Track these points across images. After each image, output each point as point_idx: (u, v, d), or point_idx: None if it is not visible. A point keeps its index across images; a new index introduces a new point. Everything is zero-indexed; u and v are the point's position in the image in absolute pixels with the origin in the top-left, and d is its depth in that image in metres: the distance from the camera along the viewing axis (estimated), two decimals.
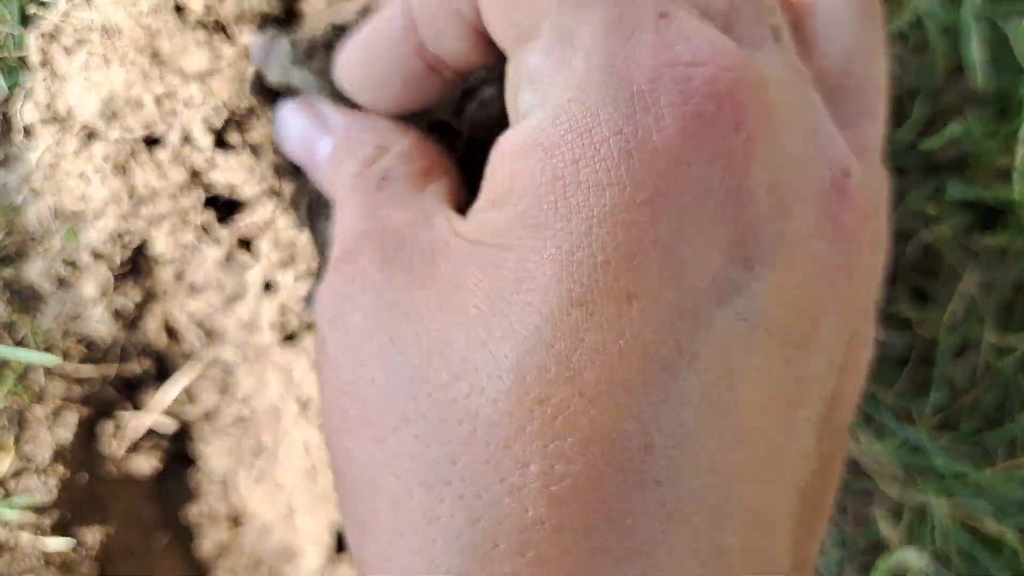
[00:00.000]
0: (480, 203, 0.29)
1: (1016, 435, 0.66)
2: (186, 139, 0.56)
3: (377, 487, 0.26)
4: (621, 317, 0.24)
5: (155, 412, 0.73)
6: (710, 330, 0.26)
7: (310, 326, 0.67)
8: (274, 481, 0.77)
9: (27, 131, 0.60)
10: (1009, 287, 0.65)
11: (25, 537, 0.68)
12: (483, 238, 0.27)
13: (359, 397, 0.27)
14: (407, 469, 0.25)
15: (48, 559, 0.69)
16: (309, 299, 0.62)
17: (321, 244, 0.59)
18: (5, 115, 0.66)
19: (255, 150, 0.57)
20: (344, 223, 0.34)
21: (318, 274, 0.62)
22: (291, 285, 0.62)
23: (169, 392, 0.73)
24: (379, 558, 0.27)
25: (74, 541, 0.69)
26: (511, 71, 0.29)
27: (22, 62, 0.68)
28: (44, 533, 0.69)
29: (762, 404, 0.26)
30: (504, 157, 0.27)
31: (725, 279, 0.26)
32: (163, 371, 0.75)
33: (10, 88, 0.68)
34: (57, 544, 0.68)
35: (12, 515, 0.68)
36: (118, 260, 0.63)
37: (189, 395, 0.75)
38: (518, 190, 0.26)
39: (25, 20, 0.70)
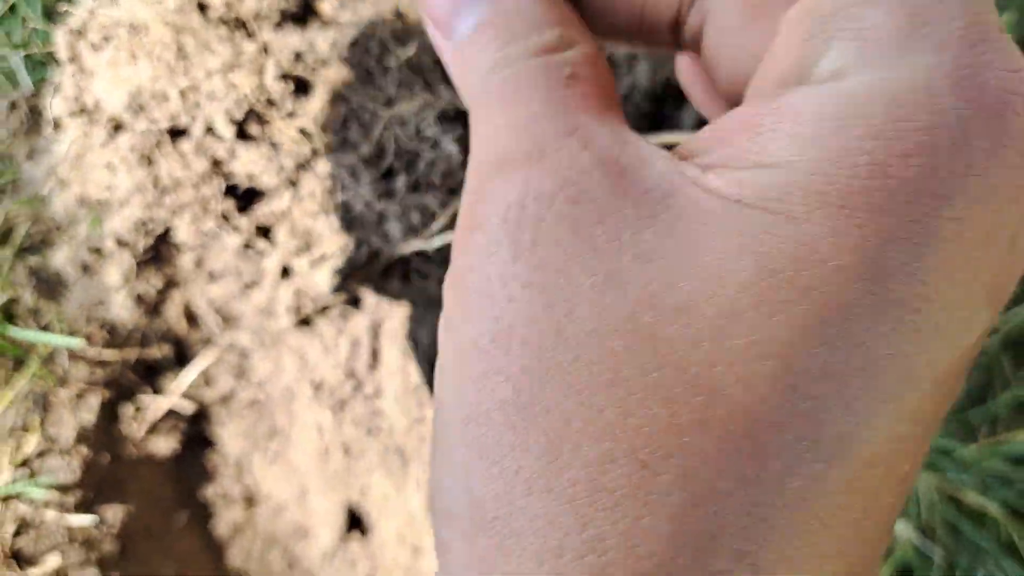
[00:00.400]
0: (731, 157, 0.24)
1: (998, 413, 0.69)
2: (209, 130, 0.59)
3: (557, 451, 0.21)
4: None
5: (174, 395, 0.76)
6: None
7: (324, 310, 0.70)
8: (288, 462, 0.80)
9: (56, 124, 0.63)
10: None
11: (50, 515, 0.71)
12: (744, 198, 0.23)
13: (548, 339, 0.22)
14: (612, 430, 0.21)
15: (72, 536, 0.72)
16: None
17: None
18: (33, 109, 0.69)
19: (273, 144, 0.60)
20: (516, 115, 0.25)
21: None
22: (307, 271, 0.65)
23: (187, 376, 0.76)
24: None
25: (97, 518, 0.72)
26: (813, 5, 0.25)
27: (50, 57, 0.71)
28: (68, 511, 0.72)
29: None
30: (797, 116, 0.23)
31: None
32: (181, 356, 0.78)
33: (35, 83, 0.71)
34: (81, 521, 0.71)
35: (38, 494, 0.70)
36: (141, 247, 0.66)
37: (206, 379, 0.78)
38: (818, 158, 0.22)
39: (51, 16, 0.73)
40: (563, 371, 0.21)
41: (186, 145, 0.60)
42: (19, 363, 0.72)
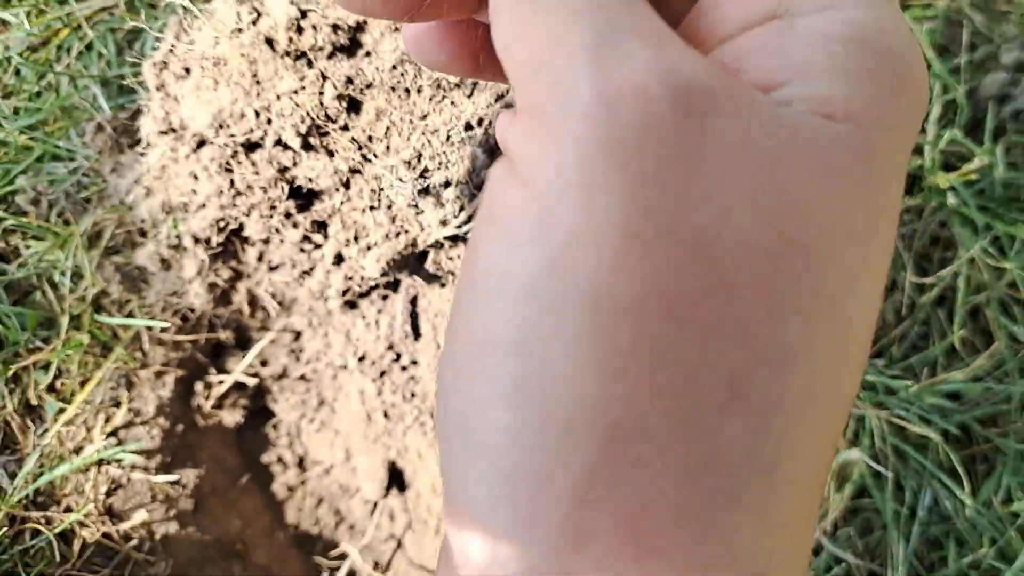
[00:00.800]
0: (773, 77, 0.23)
1: (936, 357, 0.82)
2: (278, 143, 0.72)
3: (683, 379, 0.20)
4: None
5: (237, 373, 0.88)
6: None
7: (367, 292, 0.83)
8: (334, 429, 0.92)
9: (146, 142, 0.75)
10: (926, 238, 0.82)
11: (136, 476, 0.83)
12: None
13: (712, 247, 0.20)
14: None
15: (154, 495, 0.84)
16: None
17: None
18: (115, 130, 0.82)
19: (329, 151, 0.72)
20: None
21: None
22: (355, 259, 0.78)
23: (249, 356, 0.88)
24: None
25: (177, 477, 0.84)
26: None
27: (123, 85, 0.84)
28: (151, 473, 0.84)
29: None
30: (828, 39, 0.23)
31: None
32: (242, 338, 0.90)
33: (112, 108, 0.83)
34: (163, 481, 0.83)
35: (126, 458, 0.83)
36: (215, 243, 0.78)
37: (264, 358, 0.90)
38: (853, 72, 0.23)
39: (120, 51, 0.86)
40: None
41: (258, 155, 0.72)
42: (106, 348, 0.84)
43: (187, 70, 0.74)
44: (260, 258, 0.82)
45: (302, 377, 0.91)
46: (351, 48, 0.72)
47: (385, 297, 0.84)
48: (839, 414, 0.23)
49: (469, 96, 0.73)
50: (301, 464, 0.94)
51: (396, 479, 0.93)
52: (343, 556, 0.91)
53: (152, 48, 0.86)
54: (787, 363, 0.20)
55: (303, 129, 0.70)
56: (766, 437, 0.20)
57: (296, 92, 0.70)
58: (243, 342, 0.90)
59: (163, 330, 0.85)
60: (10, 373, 0.81)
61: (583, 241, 0.19)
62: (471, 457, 0.22)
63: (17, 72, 0.88)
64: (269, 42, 0.70)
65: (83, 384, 0.83)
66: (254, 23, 0.70)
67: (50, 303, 0.83)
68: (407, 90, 0.71)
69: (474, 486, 0.21)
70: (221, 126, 0.71)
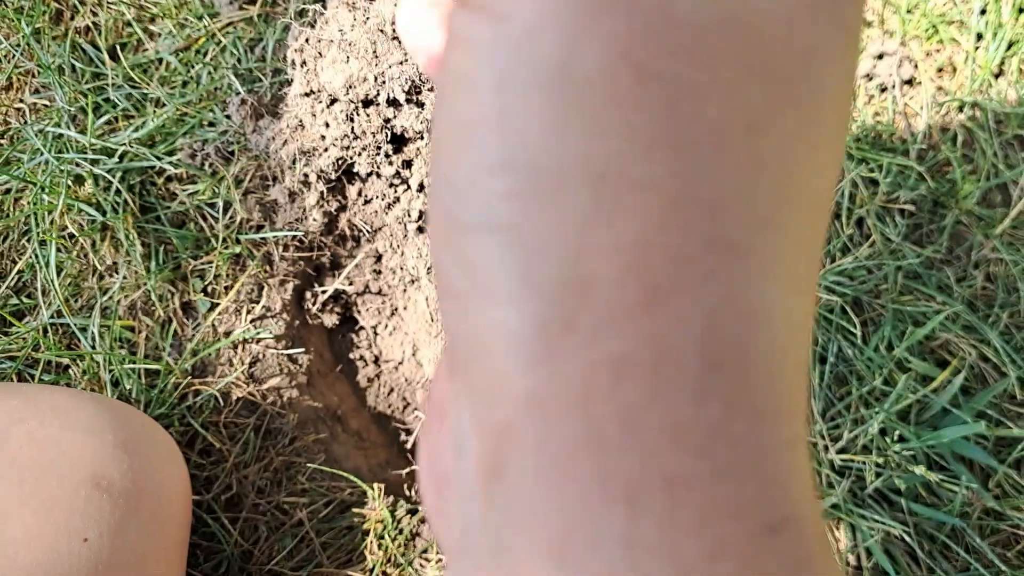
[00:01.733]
0: None
1: (834, 252, 1.18)
2: (388, 100, 1.05)
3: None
4: None
5: (333, 288, 1.19)
6: None
7: None
8: (403, 331, 1.23)
9: (289, 104, 1.08)
10: None
11: (269, 352, 1.13)
12: None
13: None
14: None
15: (281, 368, 1.14)
16: None
17: None
18: (254, 104, 1.14)
19: (420, 103, 1.06)
20: None
21: None
22: None
23: (342, 276, 1.19)
24: None
25: (302, 350, 1.14)
26: None
27: (251, 74, 1.17)
28: (281, 350, 1.14)
29: None
30: None
31: None
32: (336, 258, 1.21)
33: (247, 92, 1.16)
34: (288, 355, 1.13)
35: (263, 338, 1.12)
36: (333, 177, 1.10)
37: (351, 278, 1.21)
38: None
39: (253, 49, 1.18)
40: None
41: (372, 109, 1.05)
42: (242, 263, 1.15)
43: (320, 53, 1.07)
44: (359, 193, 1.14)
45: (379, 291, 1.23)
46: None
47: None
48: (823, 187, 0.23)
49: None
50: (377, 360, 1.25)
51: None
52: (417, 420, 1.21)
53: (273, 50, 1.19)
54: (757, 127, 0.20)
55: (406, 88, 1.04)
56: (756, 188, 0.20)
57: (402, 63, 1.03)
58: (337, 262, 1.21)
59: (286, 248, 1.15)
60: (174, 279, 1.11)
61: (549, 23, 0.20)
62: (468, 233, 0.22)
63: (168, 66, 1.20)
64: (381, 31, 1.04)
65: (227, 289, 1.13)
66: (365, 21, 1.04)
67: (201, 229, 1.14)
68: None
69: (477, 257, 0.22)
70: (350, 87, 1.04)
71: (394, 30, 1.04)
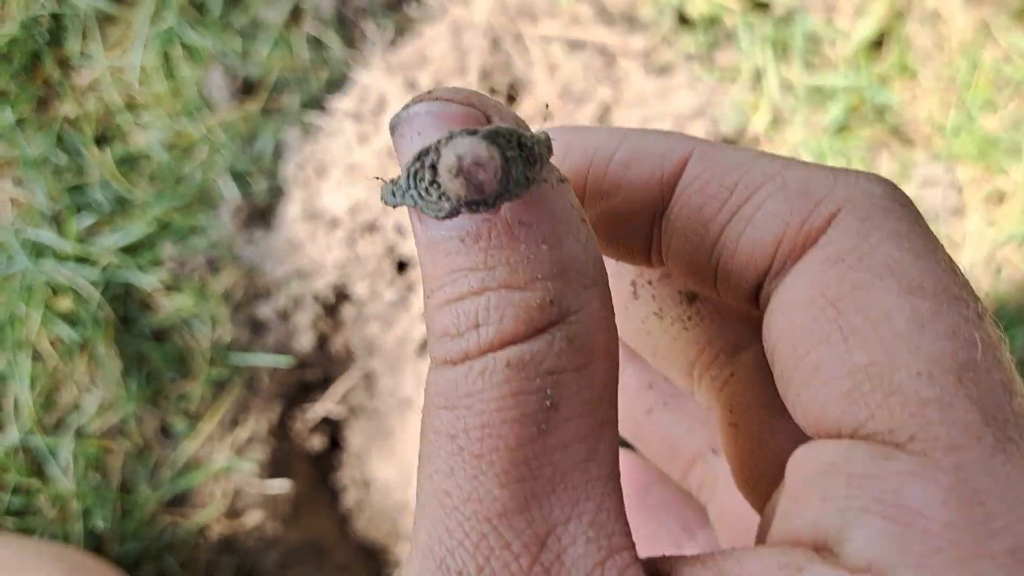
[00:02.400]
0: None
1: None
2: (394, 228, 0.97)
3: None
4: None
5: (326, 408, 1.11)
6: None
7: None
8: (396, 455, 1.16)
9: (286, 222, 1.00)
10: None
11: (252, 483, 1.05)
12: None
13: None
14: None
15: (264, 500, 1.06)
16: None
17: None
18: (249, 212, 1.06)
19: None
20: None
21: None
22: None
23: (335, 394, 1.11)
24: None
25: (286, 481, 1.06)
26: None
27: (246, 177, 1.09)
28: (263, 478, 1.06)
29: None
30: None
31: None
32: (327, 376, 1.13)
33: (241, 196, 1.08)
34: (275, 485, 1.05)
35: (247, 468, 1.05)
36: (329, 301, 1.02)
37: (342, 394, 1.13)
38: None
39: (248, 143, 1.11)
40: None
41: (377, 236, 0.97)
42: (226, 384, 1.07)
43: (322, 171, 0.99)
44: (357, 313, 1.06)
45: (372, 411, 1.15)
46: None
47: None
48: None
49: None
50: (367, 484, 1.17)
51: None
52: (399, 561, 1.13)
53: (269, 151, 1.11)
54: None
55: None
56: None
57: None
58: (328, 379, 1.13)
59: (275, 368, 1.07)
60: (154, 399, 1.03)
61: None
62: None
63: (157, 163, 1.12)
64: (389, 152, 0.96)
65: (209, 411, 1.05)
66: (371, 139, 0.96)
67: (184, 343, 1.06)
68: None
69: None
70: (354, 213, 0.96)
71: None
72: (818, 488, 0.23)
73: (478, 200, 0.23)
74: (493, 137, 0.23)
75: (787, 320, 0.26)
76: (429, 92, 0.25)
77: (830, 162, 1.13)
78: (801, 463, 0.25)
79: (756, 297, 0.28)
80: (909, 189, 1.15)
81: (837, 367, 0.24)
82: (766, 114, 1.15)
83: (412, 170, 0.24)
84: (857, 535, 0.21)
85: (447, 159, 0.23)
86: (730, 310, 0.33)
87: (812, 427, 0.25)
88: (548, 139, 0.25)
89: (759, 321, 0.28)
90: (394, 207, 0.25)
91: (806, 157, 1.14)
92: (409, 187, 0.24)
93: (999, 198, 1.17)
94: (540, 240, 0.24)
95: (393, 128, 0.25)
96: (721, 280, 0.29)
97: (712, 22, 1.16)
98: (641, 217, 0.30)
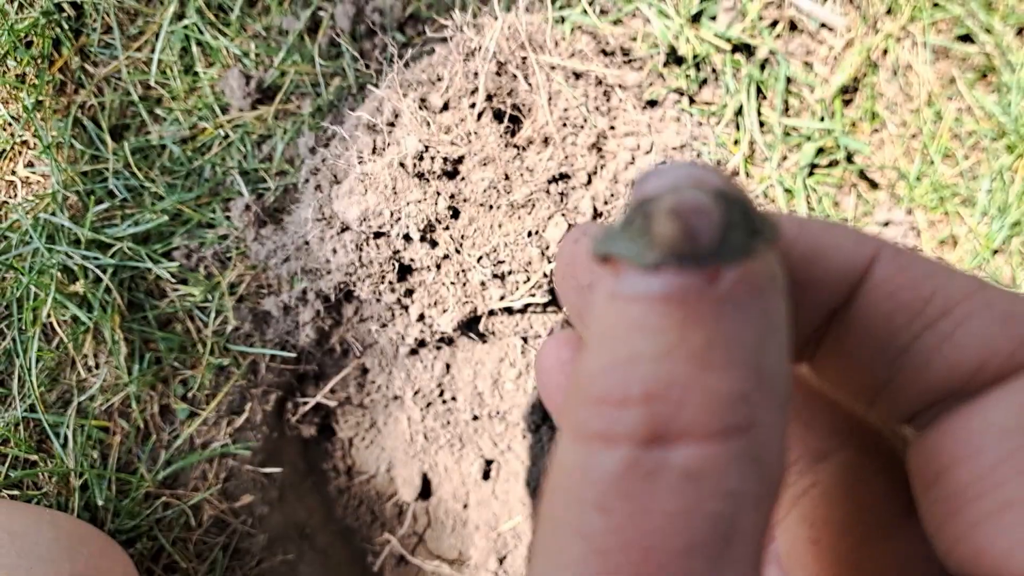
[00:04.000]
0: None
1: None
2: (400, 235, 1.03)
3: None
4: None
5: (318, 399, 1.17)
6: None
7: (423, 344, 1.13)
8: (379, 448, 1.21)
9: (300, 223, 1.05)
10: None
11: (244, 468, 1.10)
12: None
13: None
14: None
15: (255, 484, 1.11)
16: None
17: None
18: (260, 210, 1.11)
19: (433, 242, 1.04)
20: None
21: None
22: (433, 317, 1.09)
23: (327, 387, 1.17)
24: None
25: (278, 469, 1.11)
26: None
27: (259, 176, 1.14)
28: (256, 465, 1.11)
29: None
30: None
31: None
32: (321, 369, 1.19)
33: (250, 194, 1.13)
34: (267, 470, 1.11)
35: (241, 454, 1.10)
36: (332, 299, 1.08)
37: (334, 388, 1.19)
38: None
39: (259, 145, 1.15)
40: None
41: (383, 241, 1.03)
42: (226, 372, 1.12)
43: (336, 178, 1.04)
44: (355, 312, 1.12)
45: (361, 404, 1.20)
46: (454, 173, 1.04)
47: (439, 347, 1.16)
48: None
49: (530, 213, 1.06)
50: (349, 472, 1.23)
51: (424, 487, 1.23)
52: (384, 543, 1.19)
53: (280, 153, 1.16)
54: None
55: (421, 226, 1.02)
56: None
57: (420, 201, 1.01)
58: (323, 372, 1.19)
59: (273, 359, 1.13)
60: (155, 382, 1.08)
61: None
62: None
63: (171, 155, 1.16)
64: (402, 165, 1.02)
65: (209, 397, 1.10)
66: (385, 149, 1.02)
67: (188, 331, 1.11)
68: (491, 206, 1.04)
69: None
70: (364, 219, 1.02)
71: (415, 165, 1.02)
72: None
73: (688, 254, 0.20)
74: (721, 195, 0.21)
75: (972, 446, 0.24)
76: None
77: (801, 200, 1.22)
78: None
79: (914, 414, 0.27)
80: (871, 229, 1.24)
81: None
82: (745, 150, 1.23)
83: (627, 215, 0.22)
84: None
85: (666, 201, 0.21)
86: (816, 412, 0.31)
87: (973, 565, 0.23)
88: (777, 223, 0.22)
89: (849, 429, 0.27)
90: (602, 259, 0.22)
91: (780, 193, 1.22)
92: (620, 234, 0.22)
93: (953, 242, 1.26)
94: (748, 326, 0.21)
95: (635, 182, 0.23)
96: (891, 391, 0.27)
97: (700, 61, 1.24)
98: (815, 312, 0.27)
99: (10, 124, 1.14)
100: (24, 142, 1.15)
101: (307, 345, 1.13)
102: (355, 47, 1.18)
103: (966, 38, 1.29)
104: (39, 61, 1.15)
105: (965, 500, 0.24)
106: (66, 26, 1.17)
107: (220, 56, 1.18)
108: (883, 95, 1.30)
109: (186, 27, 1.17)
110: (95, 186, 1.12)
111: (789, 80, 1.26)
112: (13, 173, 1.14)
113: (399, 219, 1.02)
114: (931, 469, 0.25)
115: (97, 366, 1.08)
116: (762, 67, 1.26)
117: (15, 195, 1.13)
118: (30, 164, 1.14)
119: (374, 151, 1.03)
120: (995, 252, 1.26)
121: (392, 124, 1.05)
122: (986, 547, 0.23)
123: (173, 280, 1.11)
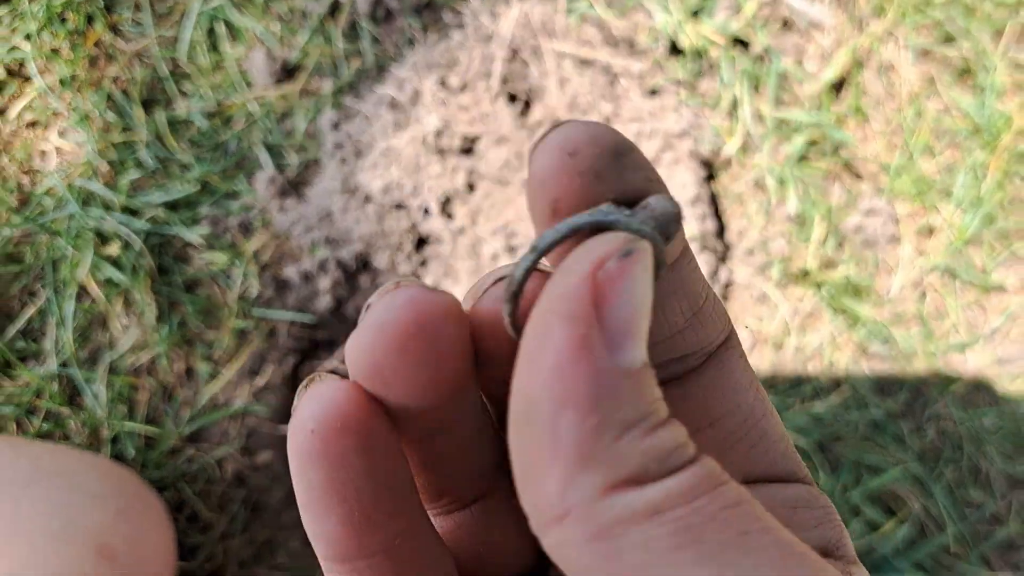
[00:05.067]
0: None
1: (807, 393, 1.27)
2: (419, 208, 1.09)
3: None
4: None
5: (332, 362, 1.23)
6: None
7: None
8: None
9: (322, 195, 1.12)
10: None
11: (265, 426, 1.17)
12: None
13: None
14: None
15: (275, 442, 1.17)
16: None
17: None
18: (283, 182, 1.18)
19: (449, 215, 1.11)
20: None
21: None
22: (447, 288, 1.16)
23: (341, 353, 1.23)
24: None
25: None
26: None
27: (279, 149, 1.20)
28: (275, 422, 1.17)
29: None
30: None
31: None
32: (335, 336, 1.25)
33: (278, 165, 1.19)
34: (286, 428, 1.17)
35: (261, 411, 1.16)
36: (352, 268, 1.15)
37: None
38: None
39: (278, 123, 1.22)
40: None
41: (403, 213, 1.10)
42: (248, 335, 1.18)
43: (360, 151, 1.11)
44: (371, 281, 1.18)
45: None
46: (471, 151, 1.11)
47: None
48: None
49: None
50: None
51: None
52: None
53: (303, 128, 1.22)
54: None
55: (442, 200, 1.09)
56: None
57: (439, 175, 1.08)
58: (336, 340, 1.25)
59: (292, 323, 1.19)
60: (180, 343, 1.14)
61: None
62: None
63: (198, 129, 1.22)
64: (423, 140, 1.09)
65: (231, 358, 1.16)
66: (407, 126, 1.09)
67: (213, 295, 1.17)
68: (505, 182, 1.11)
69: None
70: (387, 190, 1.08)
71: (435, 141, 1.08)
72: None
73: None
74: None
75: None
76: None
77: (791, 186, 1.30)
78: None
79: None
80: (855, 218, 1.32)
81: None
82: (739, 140, 1.31)
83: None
84: None
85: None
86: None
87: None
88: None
89: None
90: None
91: (771, 182, 1.31)
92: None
93: (929, 232, 1.35)
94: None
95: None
96: None
97: (699, 54, 1.32)
98: None
99: (44, 94, 1.20)
100: (56, 113, 1.21)
101: (325, 311, 1.19)
102: (375, 30, 1.24)
103: (951, 39, 1.38)
104: (74, 36, 1.21)
105: None
106: (99, 3, 1.23)
107: (245, 36, 1.24)
108: (868, 92, 1.38)
109: (214, 8, 1.23)
110: (127, 156, 1.18)
111: (781, 75, 1.34)
112: (47, 141, 1.20)
113: (420, 193, 1.09)
114: None
115: (128, 326, 1.13)
116: (756, 62, 1.34)
117: (49, 163, 1.18)
118: (62, 134, 1.20)
119: (396, 127, 1.10)
120: (967, 242, 1.35)
121: (415, 102, 1.12)
122: None
123: (200, 247, 1.17)
